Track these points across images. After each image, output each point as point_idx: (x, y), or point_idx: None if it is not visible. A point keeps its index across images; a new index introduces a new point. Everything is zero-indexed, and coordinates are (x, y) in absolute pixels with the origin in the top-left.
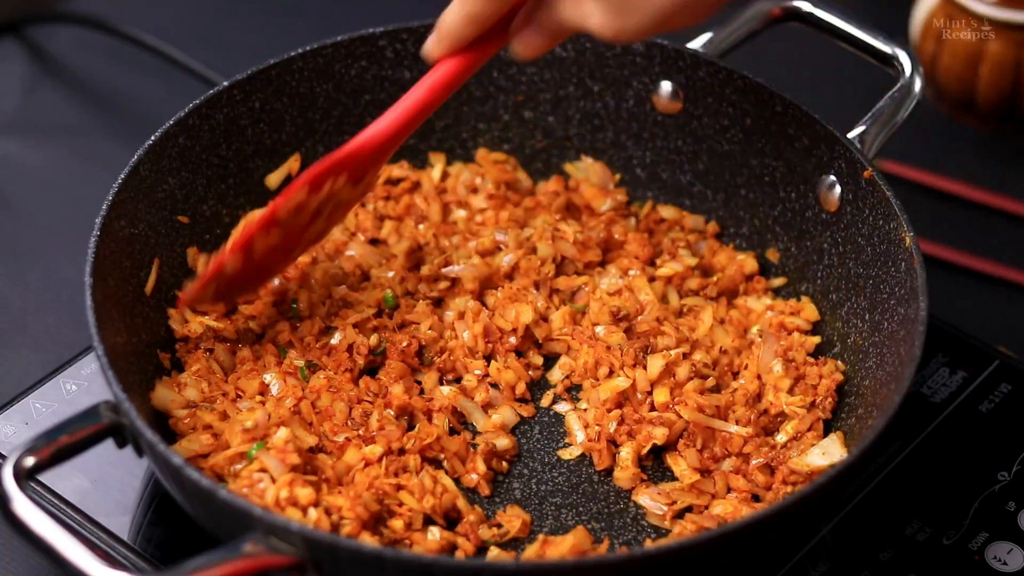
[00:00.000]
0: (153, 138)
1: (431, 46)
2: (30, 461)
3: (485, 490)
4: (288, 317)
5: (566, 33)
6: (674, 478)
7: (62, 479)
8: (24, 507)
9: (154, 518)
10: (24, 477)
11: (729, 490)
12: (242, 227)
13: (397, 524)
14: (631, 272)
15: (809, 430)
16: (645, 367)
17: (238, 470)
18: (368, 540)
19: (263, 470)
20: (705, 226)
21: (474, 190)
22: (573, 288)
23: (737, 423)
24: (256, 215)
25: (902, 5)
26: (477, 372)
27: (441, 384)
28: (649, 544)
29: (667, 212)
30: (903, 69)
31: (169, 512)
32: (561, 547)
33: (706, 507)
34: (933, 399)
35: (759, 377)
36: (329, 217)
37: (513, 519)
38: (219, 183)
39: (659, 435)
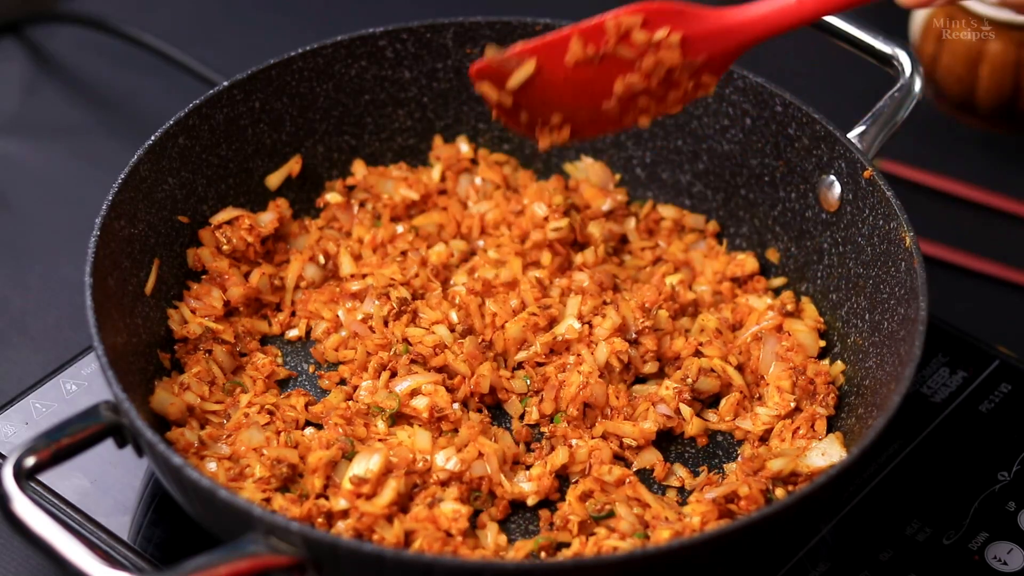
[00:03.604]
0: (153, 138)
1: None
2: (30, 461)
3: None
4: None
5: None
6: None
7: (62, 479)
8: (24, 507)
9: (154, 518)
10: (24, 477)
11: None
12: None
13: None
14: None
15: (811, 428)
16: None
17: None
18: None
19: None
20: (705, 226)
21: (474, 190)
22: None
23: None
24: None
25: None
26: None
27: None
28: (650, 544)
29: (667, 212)
30: (903, 69)
31: (169, 512)
32: None
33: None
34: (933, 399)
35: (762, 377)
36: (655, 91)
37: None
38: (219, 183)
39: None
